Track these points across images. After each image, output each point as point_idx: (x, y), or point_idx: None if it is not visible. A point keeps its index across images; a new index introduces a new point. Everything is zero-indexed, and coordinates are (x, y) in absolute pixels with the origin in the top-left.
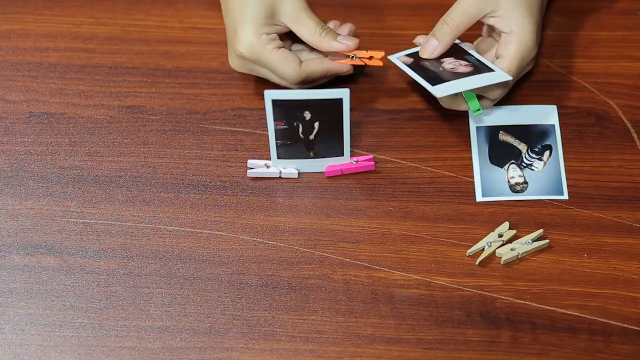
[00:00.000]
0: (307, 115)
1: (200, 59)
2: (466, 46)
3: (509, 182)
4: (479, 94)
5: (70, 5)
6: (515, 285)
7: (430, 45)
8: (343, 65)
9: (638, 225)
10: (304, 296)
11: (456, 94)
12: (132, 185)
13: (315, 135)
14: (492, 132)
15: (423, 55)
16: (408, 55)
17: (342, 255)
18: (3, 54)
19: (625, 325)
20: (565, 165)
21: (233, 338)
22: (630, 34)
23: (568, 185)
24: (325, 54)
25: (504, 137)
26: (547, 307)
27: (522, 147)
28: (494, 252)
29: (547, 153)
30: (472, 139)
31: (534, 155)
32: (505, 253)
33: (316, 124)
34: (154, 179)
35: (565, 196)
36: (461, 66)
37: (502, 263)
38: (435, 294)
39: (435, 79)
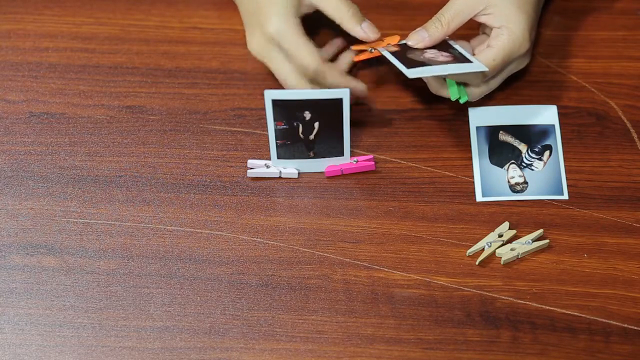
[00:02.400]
0: (307, 115)
1: (200, 59)
2: (455, 43)
3: (509, 182)
4: (462, 81)
5: (70, 5)
6: (515, 285)
7: (419, 35)
8: (358, 85)
9: (638, 225)
10: (304, 296)
11: (444, 81)
12: (132, 185)
13: (315, 135)
14: (492, 132)
15: (409, 42)
16: (396, 45)
17: (342, 255)
18: (3, 54)
19: (625, 325)
20: (565, 165)
21: (233, 338)
22: (629, 34)
23: (568, 185)
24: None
25: (504, 137)
26: (547, 307)
27: (522, 147)
28: (494, 252)
29: (547, 153)
30: (472, 139)
31: (534, 155)
32: (505, 253)
33: (316, 124)
34: (154, 179)
35: (565, 196)
36: (441, 56)
37: (502, 263)
38: (435, 294)
39: (412, 64)
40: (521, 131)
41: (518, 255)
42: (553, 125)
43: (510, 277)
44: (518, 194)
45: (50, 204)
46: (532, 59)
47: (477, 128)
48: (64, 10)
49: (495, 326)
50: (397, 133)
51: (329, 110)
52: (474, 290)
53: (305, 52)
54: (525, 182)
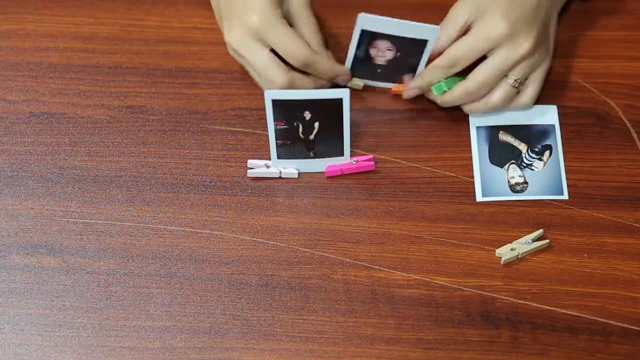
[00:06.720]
0: (307, 115)
1: (201, 59)
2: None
3: (509, 182)
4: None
5: (70, 5)
6: (515, 285)
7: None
8: (342, 69)
9: (638, 225)
10: (304, 296)
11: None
12: (132, 185)
13: (315, 135)
14: (492, 132)
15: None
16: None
17: (342, 255)
18: (3, 54)
19: (625, 325)
20: (565, 165)
21: (233, 338)
22: (630, 34)
23: (568, 185)
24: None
25: (504, 137)
26: (547, 307)
27: (522, 147)
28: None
29: (547, 153)
30: (472, 139)
31: (534, 155)
32: (505, 253)
33: (316, 124)
34: (154, 179)
35: (565, 196)
36: (386, 52)
37: (502, 263)
38: (435, 294)
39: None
40: (521, 131)
41: (518, 255)
42: (553, 125)
43: (510, 277)
44: (518, 194)
45: (50, 204)
46: None
47: (477, 128)
48: (64, 10)
49: (495, 326)
50: (397, 133)
51: (329, 110)
52: (474, 290)
53: (291, 41)
54: (525, 182)
